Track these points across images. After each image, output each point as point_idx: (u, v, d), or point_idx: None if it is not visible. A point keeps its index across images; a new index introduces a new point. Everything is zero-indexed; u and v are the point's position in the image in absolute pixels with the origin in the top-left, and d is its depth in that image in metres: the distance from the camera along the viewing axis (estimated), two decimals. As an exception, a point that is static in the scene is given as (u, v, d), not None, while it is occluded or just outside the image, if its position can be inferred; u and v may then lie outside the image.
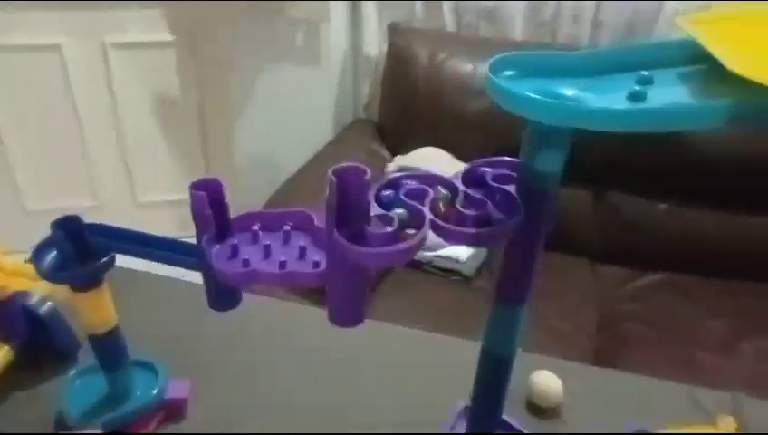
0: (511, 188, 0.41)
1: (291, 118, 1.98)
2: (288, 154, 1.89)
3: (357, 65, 2.01)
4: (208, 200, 0.46)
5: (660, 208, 1.70)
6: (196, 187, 0.46)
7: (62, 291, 0.56)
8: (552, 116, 0.34)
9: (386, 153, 1.79)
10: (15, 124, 2.06)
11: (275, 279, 0.43)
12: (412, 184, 0.42)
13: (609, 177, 1.70)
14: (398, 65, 1.76)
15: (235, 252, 0.46)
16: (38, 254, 0.53)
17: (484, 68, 0.38)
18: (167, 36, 2.00)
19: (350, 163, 0.38)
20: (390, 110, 1.82)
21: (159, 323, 0.71)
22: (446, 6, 1.88)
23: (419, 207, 0.40)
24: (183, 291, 0.81)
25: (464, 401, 0.62)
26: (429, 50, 1.74)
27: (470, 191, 0.41)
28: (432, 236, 1.31)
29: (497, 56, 0.39)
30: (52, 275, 0.52)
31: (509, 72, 0.39)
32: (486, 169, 0.43)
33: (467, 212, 0.39)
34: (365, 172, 0.38)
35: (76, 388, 0.63)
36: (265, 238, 0.46)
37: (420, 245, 0.38)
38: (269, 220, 0.48)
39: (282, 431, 0.63)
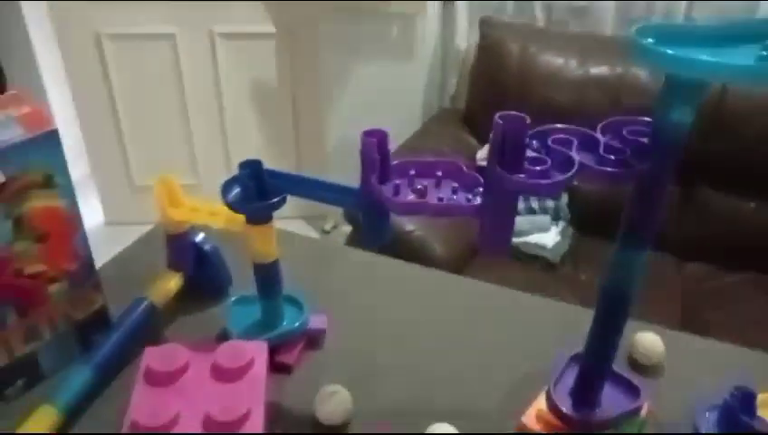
0: (644, 140, 0.48)
1: (380, 107, 2.08)
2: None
3: (446, 57, 2.09)
4: (376, 147, 0.55)
5: (749, 207, 1.69)
6: (367, 134, 0.56)
7: (238, 224, 0.66)
8: (694, 70, 0.41)
9: (473, 141, 1.86)
10: (130, 106, 2.26)
11: (436, 210, 0.52)
12: (558, 135, 0.50)
13: (698, 173, 1.71)
14: (490, 57, 1.83)
15: (397, 190, 0.55)
16: (225, 188, 0.63)
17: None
18: (269, 28, 2.15)
19: (513, 112, 0.46)
20: (479, 100, 1.89)
21: (301, 268, 0.81)
22: (538, 3, 1.93)
23: (567, 151, 0.47)
24: (313, 244, 0.91)
25: (572, 350, 0.68)
26: (520, 43, 1.79)
27: (609, 141, 0.48)
28: (519, 223, 1.39)
29: (640, 25, 0.46)
30: (236, 206, 0.63)
31: (650, 39, 0.46)
32: (622, 124, 0.50)
33: (608, 156, 0.46)
34: (525, 119, 0.46)
35: (235, 313, 0.74)
36: (421, 181, 0.55)
37: (568, 182, 0.46)
38: (423, 167, 0.57)
39: (401, 364, 0.72)
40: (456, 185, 0.54)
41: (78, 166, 2.44)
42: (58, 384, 0.64)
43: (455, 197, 0.53)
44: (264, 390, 0.59)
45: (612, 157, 0.47)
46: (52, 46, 2.22)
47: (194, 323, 0.77)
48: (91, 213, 2.48)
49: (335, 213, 2.36)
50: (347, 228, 2.05)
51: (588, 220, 1.70)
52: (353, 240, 1.70)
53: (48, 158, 0.61)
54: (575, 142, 0.48)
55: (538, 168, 0.47)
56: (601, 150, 0.47)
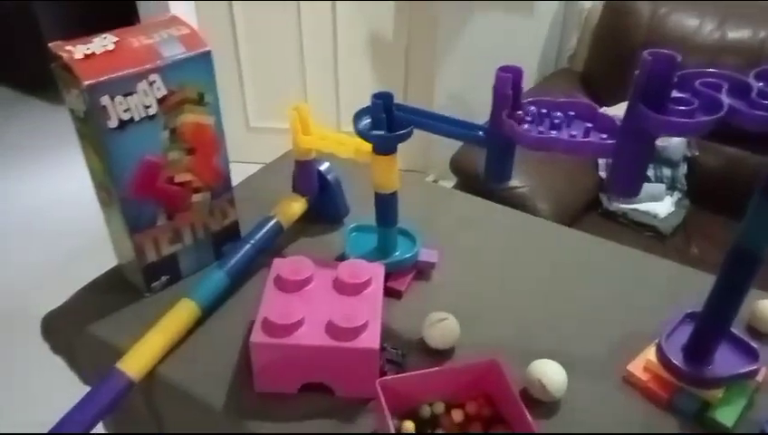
0: (803, 88, 0.46)
1: (494, 64, 2.04)
2: (488, 99, 1.97)
3: (568, 15, 2.01)
4: (510, 82, 0.56)
5: None
6: (502, 70, 0.57)
7: (364, 154, 0.70)
8: None
9: (589, 104, 1.80)
10: (252, 50, 2.36)
11: (568, 146, 0.52)
12: (707, 78, 0.48)
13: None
14: (616, 17, 1.74)
15: (527, 127, 0.55)
16: (357, 117, 0.67)
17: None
18: (389, -22, 2.15)
19: (663, 50, 0.45)
20: (599, 62, 1.81)
21: (416, 206, 0.84)
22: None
23: (715, 94, 0.46)
24: (428, 186, 0.94)
25: (687, 308, 0.67)
26: (651, 3, 1.69)
27: (764, 87, 0.46)
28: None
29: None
30: (365, 135, 0.66)
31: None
32: (779, 71, 0.48)
33: (761, 101, 0.45)
34: (675, 57, 0.45)
35: (353, 239, 0.78)
36: (553, 119, 0.56)
37: (713, 124, 0.45)
38: (555, 107, 0.57)
39: (507, 304, 0.74)
40: (589, 126, 0.54)
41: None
42: (195, 283, 0.71)
43: (587, 136, 0.53)
44: (380, 306, 0.63)
45: (766, 102, 0.45)
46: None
47: (313, 244, 0.82)
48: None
49: (436, 167, 2.37)
50: (448, 183, 2.06)
51: (706, 194, 1.60)
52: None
53: (202, 76, 0.67)
54: (725, 86, 0.47)
55: (682, 108, 0.46)
56: (754, 95, 0.46)
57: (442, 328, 0.65)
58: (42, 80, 2.73)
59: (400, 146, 0.67)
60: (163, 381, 0.65)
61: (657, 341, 0.64)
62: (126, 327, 0.69)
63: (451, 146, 1.55)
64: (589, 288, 0.77)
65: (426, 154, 2.35)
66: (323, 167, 0.82)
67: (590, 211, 1.58)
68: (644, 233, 1.49)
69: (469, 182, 1.46)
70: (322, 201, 0.83)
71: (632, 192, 0.51)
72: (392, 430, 0.53)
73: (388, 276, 0.74)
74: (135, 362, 0.62)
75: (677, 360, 0.61)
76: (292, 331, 0.59)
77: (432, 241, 0.80)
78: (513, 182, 1.47)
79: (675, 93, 0.47)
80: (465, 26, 2.09)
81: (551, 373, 0.60)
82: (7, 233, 1.96)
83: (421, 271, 0.78)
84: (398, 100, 0.65)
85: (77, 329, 0.73)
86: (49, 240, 1.92)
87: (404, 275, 0.76)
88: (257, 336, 0.59)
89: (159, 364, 0.65)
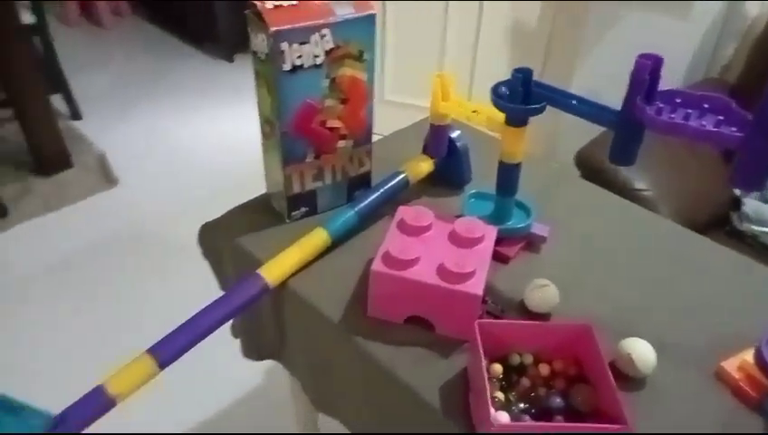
0: None
1: (638, 65, 1.99)
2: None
3: (728, 22, 1.91)
4: (649, 69, 0.59)
5: None
6: (642, 56, 0.60)
7: (496, 123, 0.76)
8: None
9: (736, 118, 1.71)
10: (396, 28, 2.46)
11: (698, 135, 0.55)
12: None
13: None
14: (784, 29, 1.63)
15: (659, 112, 0.59)
16: (495, 88, 0.73)
17: None
18: (543, -33, 2.14)
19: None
20: (758, 76, 1.71)
21: (535, 183, 0.88)
22: None
23: None
24: (552, 167, 0.98)
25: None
26: (828, 17, 1.57)
27: None
28: (764, 212, 1.27)
29: None
30: (500, 105, 0.72)
31: None
32: None
33: None
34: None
35: (471, 204, 0.85)
36: (686, 109, 0.58)
37: None
38: (689, 98, 0.60)
39: (610, 286, 0.77)
40: (720, 118, 0.56)
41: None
42: (329, 217, 0.81)
43: (718, 128, 0.56)
44: (488, 261, 0.69)
45: None
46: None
47: (433, 204, 0.89)
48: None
49: (558, 160, 2.35)
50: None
51: None
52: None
53: (365, 36, 0.75)
54: None
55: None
56: None
57: (543, 292, 0.70)
58: (205, 35, 3.02)
59: (528, 132, 0.72)
60: (292, 293, 0.76)
61: (756, 344, 0.65)
62: (267, 244, 0.80)
63: (578, 141, 1.55)
64: (695, 285, 0.78)
65: (550, 146, 2.34)
66: (455, 134, 0.88)
67: (716, 228, 1.52)
68: (771, 257, 1.42)
69: (592, 176, 1.46)
70: (448, 165, 0.90)
71: (756, 186, 0.53)
72: (484, 369, 0.59)
73: (499, 242, 0.79)
74: (273, 271, 0.73)
75: (775, 364, 0.62)
76: (407, 266, 0.67)
77: (547, 218, 0.84)
78: (640, 185, 1.45)
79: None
80: (615, 24, 2.04)
81: (641, 350, 0.64)
82: (170, 165, 2.22)
83: (531, 243, 0.83)
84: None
85: (226, 239, 0.86)
86: (203, 174, 2.15)
87: (514, 244, 0.81)
88: (378, 266, 0.67)
89: (291, 278, 0.76)
